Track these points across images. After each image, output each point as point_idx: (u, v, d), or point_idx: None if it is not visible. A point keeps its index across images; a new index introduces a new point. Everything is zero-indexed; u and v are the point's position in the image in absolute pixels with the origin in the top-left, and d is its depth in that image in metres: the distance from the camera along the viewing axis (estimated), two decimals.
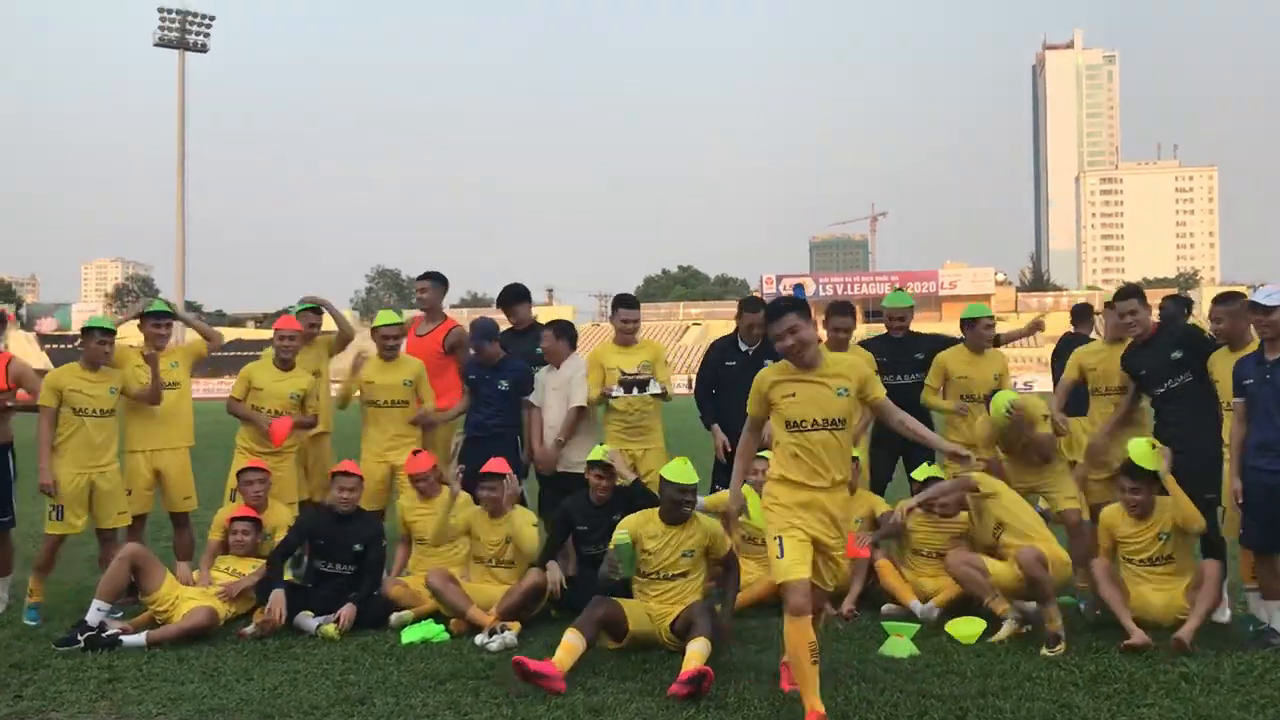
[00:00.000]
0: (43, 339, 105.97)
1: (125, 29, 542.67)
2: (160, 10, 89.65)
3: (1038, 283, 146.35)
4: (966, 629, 6.44)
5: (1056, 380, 8.69)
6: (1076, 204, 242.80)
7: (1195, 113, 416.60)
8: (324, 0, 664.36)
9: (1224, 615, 6.78)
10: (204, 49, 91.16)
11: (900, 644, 6.19)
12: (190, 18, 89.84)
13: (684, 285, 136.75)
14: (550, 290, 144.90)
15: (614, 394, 7.90)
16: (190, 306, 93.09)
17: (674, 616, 6.24)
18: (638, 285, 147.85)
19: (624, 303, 8.31)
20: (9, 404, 7.44)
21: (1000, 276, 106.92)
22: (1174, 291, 11.54)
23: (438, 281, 9.09)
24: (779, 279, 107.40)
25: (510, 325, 9.10)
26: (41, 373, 7.89)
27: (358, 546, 7.27)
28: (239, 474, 7.85)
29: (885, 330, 8.73)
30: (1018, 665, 5.89)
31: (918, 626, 6.47)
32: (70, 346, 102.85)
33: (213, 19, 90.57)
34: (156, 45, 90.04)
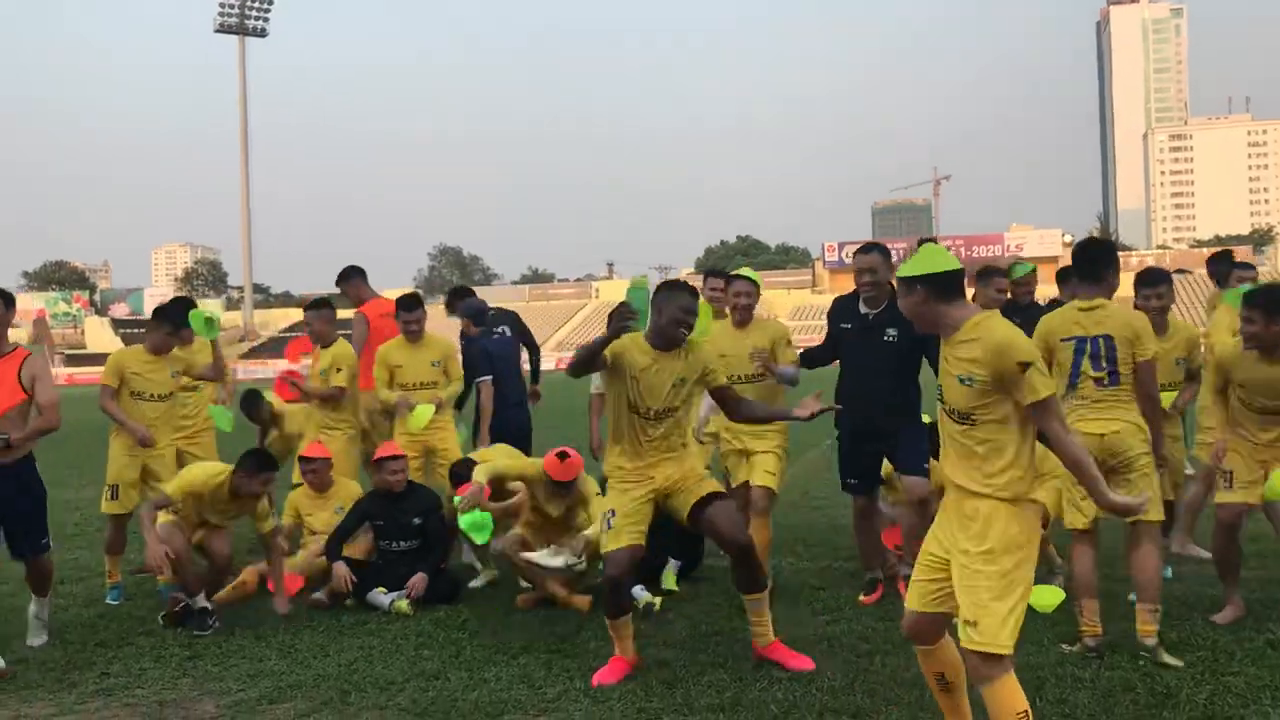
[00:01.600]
0: (116, 324, 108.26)
1: (186, 17, 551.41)
2: None
3: None
4: (1044, 598, 6.31)
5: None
6: (1145, 162, 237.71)
7: (1268, 65, 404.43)
8: None
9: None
10: (263, 33, 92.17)
11: None
12: (249, 3, 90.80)
13: (744, 255, 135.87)
14: (611, 264, 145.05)
15: None
16: (258, 289, 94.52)
17: (684, 493, 5.47)
18: (697, 256, 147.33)
19: (711, 273, 7.81)
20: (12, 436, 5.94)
21: (1068, 238, 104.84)
22: (1219, 249, 11.06)
23: (348, 279, 9.37)
24: (840, 246, 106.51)
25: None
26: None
27: (417, 520, 7.38)
28: (299, 460, 7.97)
29: (1013, 298, 8.06)
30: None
31: None
32: (137, 331, 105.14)
33: (271, 3, 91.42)
34: (217, 31, 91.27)
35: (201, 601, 6.63)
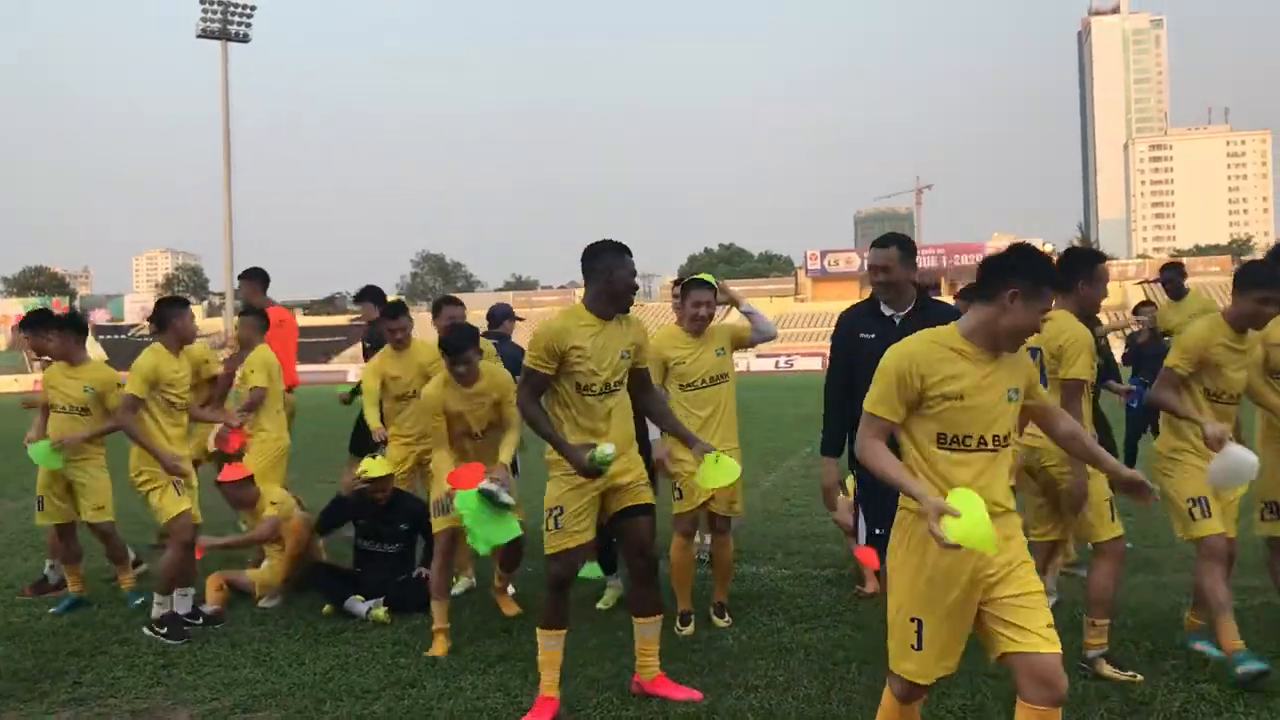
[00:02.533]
0: (96, 330, 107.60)
1: (168, 22, 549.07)
2: (202, 1, 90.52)
3: None
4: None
5: None
6: (1125, 172, 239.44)
7: (1247, 76, 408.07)
8: None
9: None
10: (246, 39, 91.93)
11: None
12: (231, 8, 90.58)
13: (727, 263, 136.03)
14: None
15: None
16: (238, 295, 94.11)
17: (620, 493, 5.17)
18: (680, 264, 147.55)
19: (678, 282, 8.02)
20: None
21: (1049, 247, 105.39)
22: (1170, 260, 11.19)
23: (248, 279, 9.51)
24: (823, 254, 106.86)
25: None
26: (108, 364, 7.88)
27: (404, 526, 7.38)
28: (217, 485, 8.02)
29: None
30: (1072, 642, 5.78)
31: None
32: (123, 337, 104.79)
33: (254, 8, 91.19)
34: (200, 36, 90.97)
35: (179, 605, 6.60)
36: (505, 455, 6.33)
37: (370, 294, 10.24)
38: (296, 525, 7.63)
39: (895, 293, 5.40)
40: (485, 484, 5.93)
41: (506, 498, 6.00)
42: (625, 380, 5.23)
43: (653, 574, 5.26)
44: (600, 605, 6.96)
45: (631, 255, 5.16)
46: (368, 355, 10.01)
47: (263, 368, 8.36)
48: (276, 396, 8.51)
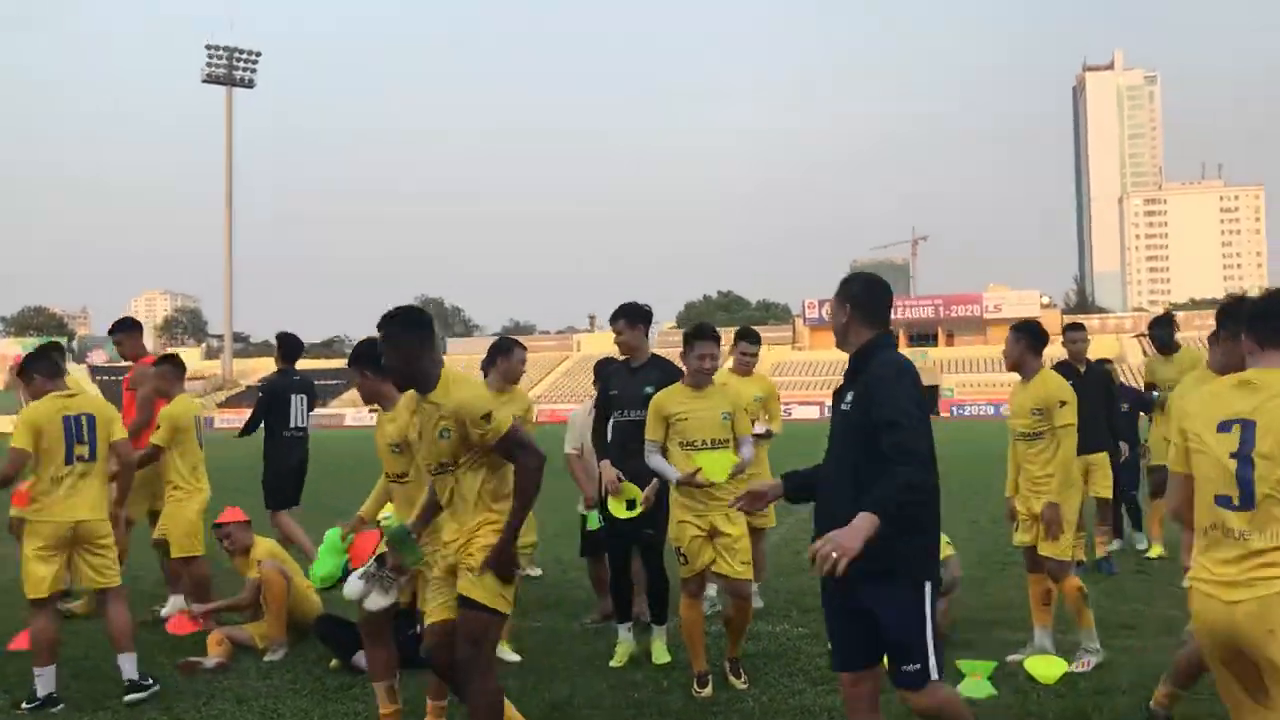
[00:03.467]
0: (94, 370, 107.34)
1: (174, 67, 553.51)
2: (208, 47, 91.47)
3: (1082, 305, 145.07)
4: (1047, 669, 6.22)
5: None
6: (1120, 225, 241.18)
7: (1240, 131, 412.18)
8: (368, 32, 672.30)
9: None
10: (250, 84, 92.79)
11: (978, 685, 5.98)
12: (237, 54, 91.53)
13: (725, 311, 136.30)
14: (592, 316, 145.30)
15: None
16: (238, 338, 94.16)
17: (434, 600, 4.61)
18: (678, 311, 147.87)
19: (744, 335, 8.40)
20: None
21: (1045, 299, 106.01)
22: (1161, 314, 11.21)
23: (121, 329, 9.21)
24: (821, 303, 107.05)
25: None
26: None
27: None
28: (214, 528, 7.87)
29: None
30: (1101, 706, 5.65)
31: (995, 664, 6.26)
32: (116, 378, 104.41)
33: (259, 55, 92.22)
34: (205, 81, 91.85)
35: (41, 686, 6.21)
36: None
37: (282, 341, 10.10)
38: (270, 574, 7.45)
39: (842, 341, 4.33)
40: (352, 582, 5.13)
41: (374, 604, 5.17)
42: (462, 459, 4.51)
43: (454, 676, 4.57)
44: (613, 663, 6.80)
45: (385, 328, 4.61)
46: (255, 413, 9.87)
47: (167, 422, 8.03)
48: (190, 451, 8.17)
